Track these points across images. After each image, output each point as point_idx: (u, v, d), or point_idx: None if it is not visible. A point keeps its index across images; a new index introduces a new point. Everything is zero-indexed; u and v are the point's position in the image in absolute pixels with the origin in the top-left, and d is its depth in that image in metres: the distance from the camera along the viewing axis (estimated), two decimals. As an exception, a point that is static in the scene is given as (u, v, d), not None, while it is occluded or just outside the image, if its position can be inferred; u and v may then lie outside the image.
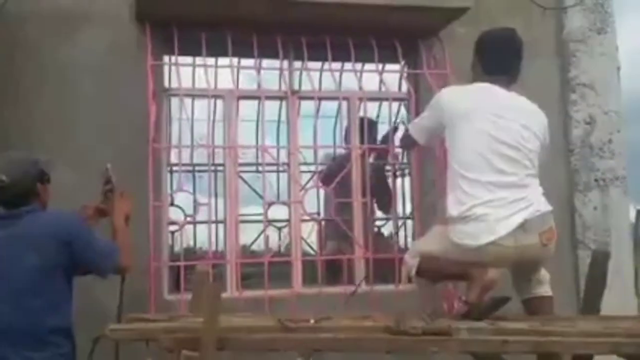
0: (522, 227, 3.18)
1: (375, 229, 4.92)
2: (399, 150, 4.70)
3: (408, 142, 3.81)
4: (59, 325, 2.97)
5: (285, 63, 4.65)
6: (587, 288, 3.60)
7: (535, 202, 3.24)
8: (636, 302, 4.87)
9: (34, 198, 3.07)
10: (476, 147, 3.29)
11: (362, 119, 4.69)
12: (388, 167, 5.10)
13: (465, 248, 3.23)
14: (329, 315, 3.10)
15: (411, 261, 3.50)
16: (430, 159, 4.53)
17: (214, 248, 4.26)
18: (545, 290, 3.43)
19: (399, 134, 4.41)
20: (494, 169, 3.25)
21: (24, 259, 2.89)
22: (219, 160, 4.53)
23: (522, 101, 3.49)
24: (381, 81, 4.71)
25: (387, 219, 5.23)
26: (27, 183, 3.05)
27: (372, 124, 4.94)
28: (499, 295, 3.10)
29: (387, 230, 5.46)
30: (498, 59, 3.56)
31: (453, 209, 3.29)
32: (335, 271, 4.82)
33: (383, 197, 5.14)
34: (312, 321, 2.92)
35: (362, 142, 4.64)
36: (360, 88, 4.71)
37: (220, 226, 4.49)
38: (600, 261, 3.53)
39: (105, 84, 4.34)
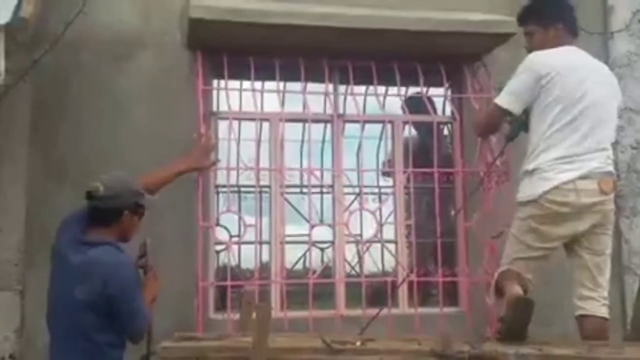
0: (583, 176, 3.38)
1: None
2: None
3: (498, 114, 3.71)
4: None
5: (331, 87, 4.73)
6: (634, 315, 3.57)
7: (601, 159, 3.43)
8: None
9: (116, 223, 3.13)
10: (562, 107, 3.42)
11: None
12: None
13: (532, 196, 3.40)
14: (374, 337, 3.13)
15: (496, 275, 3.55)
16: (474, 179, 4.57)
17: (259, 268, 4.31)
18: (603, 312, 3.41)
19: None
20: (575, 128, 3.41)
21: (76, 292, 2.99)
22: (264, 181, 4.61)
23: (600, 64, 3.75)
24: (425, 105, 4.74)
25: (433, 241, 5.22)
26: (116, 204, 3.11)
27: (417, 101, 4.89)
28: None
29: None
30: (574, 21, 3.77)
31: (525, 165, 3.51)
32: (378, 293, 4.84)
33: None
34: (358, 343, 2.96)
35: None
36: (405, 111, 4.76)
37: (265, 246, 4.56)
38: (647, 287, 3.50)
39: (156, 107, 4.48)
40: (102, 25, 4.51)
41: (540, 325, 3.20)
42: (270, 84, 4.68)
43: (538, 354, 2.83)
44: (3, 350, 4.07)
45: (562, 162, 3.38)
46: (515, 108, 3.58)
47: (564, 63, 3.51)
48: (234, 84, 4.62)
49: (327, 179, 4.80)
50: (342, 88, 4.85)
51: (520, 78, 3.58)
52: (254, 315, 2.80)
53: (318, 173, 4.72)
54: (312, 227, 4.45)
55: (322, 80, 4.63)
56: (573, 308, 3.46)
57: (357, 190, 4.79)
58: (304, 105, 4.61)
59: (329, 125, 4.87)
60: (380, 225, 4.54)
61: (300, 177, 4.87)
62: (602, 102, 3.51)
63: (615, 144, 4.90)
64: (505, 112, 3.63)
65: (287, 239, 4.60)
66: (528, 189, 3.48)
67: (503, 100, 3.61)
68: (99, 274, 3.00)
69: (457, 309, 4.57)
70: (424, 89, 4.71)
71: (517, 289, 3.22)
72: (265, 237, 4.54)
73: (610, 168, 3.50)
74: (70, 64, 4.43)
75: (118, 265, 3.07)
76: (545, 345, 3.00)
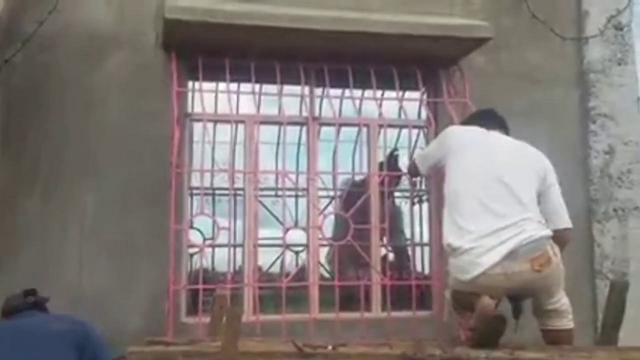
0: (511, 255, 3.25)
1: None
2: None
3: (413, 169, 4.17)
4: None
5: (307, 89, 4.72)
6: (605, 318, 3.59)
7: (526, 229, 3.31)
8: (655, 333, 4.82)
9: None
10: (466, 182, 3.45)
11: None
12: (407, 194, 5.12)
13: (460, 281, 3.31)
14: (346, 341, 3.12)
15: (447, 295, 3.60)
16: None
17: (232, 271, 4.28)
18: (564, 323, 3.44)
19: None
20: (483, 202, 3.37)
21: None
22: (239, 184, 4.58)
23: (516, 143, 3.72)
24: (401, 108, 4.75)
25: (406, 246, 5.24)
26: None
27: (394, 158, 5.01)
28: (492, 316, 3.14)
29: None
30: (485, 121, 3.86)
31: (445, 242, 3.47)
32: (350, 297, 4.83)
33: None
34: (329, 347, 2.94)
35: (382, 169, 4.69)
36: (380, 115, 4.76)
37: (239, 249, 4.53)
38: (618, 291, 3.53)
39: (130, 108, 4.43)
40: (76, 25, 4.44)
41: (512, 329, 3.21)
42: (245, 86, 4.66)
43: (509, 358, 2.84)
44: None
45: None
46: (423, 168, 4.00)
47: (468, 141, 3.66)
48: (209, 85, 4.58)
49: (302, 182, 4.79)
50: (318, 91, 4.83)
51: (432, 146, 3.98)
52: (224, 319, 2.78)
53: (293, 176, 4.70)
54: (287, 230, 4.42)
55: (297, 83, 4.62)
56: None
57: (331, 193, 4.79)
58: (280, 108, 4.60)
59: (304, 128, 4.85)
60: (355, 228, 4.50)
61: (275, 180, 4.85)
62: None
63: (588, 149, 5.01)
64: None
65: (261, 242, 4.58)
66: (454, 271, 3.42)
67: (418, 157, 4.09)
68: None
69: (429, 313, 4.57)
70: (399, 93, 4.70)
71: (487, 301, 3.21)
72: (239, 240, 4.50)
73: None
74: (42, 64, 4.36)
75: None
76: (517, 349, 3.01)
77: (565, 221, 3.59)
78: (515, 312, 3.55)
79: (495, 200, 3.37)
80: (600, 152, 5.02)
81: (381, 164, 4.75)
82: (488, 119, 3.87)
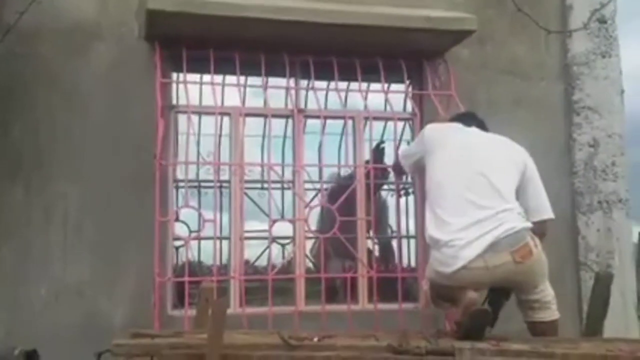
0: (492, 247, 3.26)
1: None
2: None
3: (397, 168, 4.33)
4: None
5: (292, 82, 4.70)
6: (589, 310, 3.63)
7: (507, 221, 3.32)
8: (639, 324, 4.87)
9: None
10: (446, 175, 3.48)
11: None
12: (392, 186, 5.13)
13: (441, 274, 3.33)
14: (332, 333, 3.13)
15: (425, 286, 3.62)
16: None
17: (218, 264, 4.26)
18: (548, 314, 3.46)
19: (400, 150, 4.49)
20: (464, 195, 3.40)
21: None
22: (224, 176, 4.56)
23: (495, 136, 3.77)
24: (387, 101, 4.75)
25: (391, 238, 5.24)
26: None
27: (380, 150, 5.01)
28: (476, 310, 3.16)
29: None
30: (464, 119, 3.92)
31: (427, 234, 3.50)
32: (336, 289, 4.84)
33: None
34: (315, 339, 2.95)
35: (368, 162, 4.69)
36: (366, 107, 4.76)
37: (225, 242, 4.51)
38: (603, 283, 3.56)
39: (114, 100, 4.38)
40: (58, 15, 4.39)
41: (498, 321, 3.23)
42: (230, 78, 4.63)
43: (494, 349, 2.85)
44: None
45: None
46: (406, 166, 4.12)
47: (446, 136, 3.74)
48: (194, 77, 4.56)
49: (288, 175, 4.78)
50: (303, 83, 4.82)
51: (413, 144, 4.11)
52: (210, 311, 2.77)
53: (278, 169, 4.68)
54: (273, 222, 4.40)
55: (283, 75, 4.60)
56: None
57: (317, 185, 4.78)
58: (265, 100, 4.58)
59: (290, 121, 4.83)
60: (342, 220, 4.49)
61: (261, 173, 4.83)
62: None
63: (572, 142, 5.03)
64: None
65: (247, 234, 4.56)
66: (436, 264, 3.45)
67: (400, 155, 4.22)
68: None
69: (415, 305, 4.58)
70: (385, 85, 4.69)
71: (472, 295, 3.23)
72: (225, 232, 4.49)
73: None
74: (24, 55, 4.31)
75: None
76: (502, 340, 3.02)
77: (547, 212, 3.62)
78: (494, 307, 3.54)
79: (476, 192, 3.39)
80: (585, 145, 5.04)
81: (367, 162, 4.74)
82: (468, 117, 3.92)
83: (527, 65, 5.07)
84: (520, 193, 3.54)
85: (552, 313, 3.47)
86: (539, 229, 3.49)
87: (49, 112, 4.31)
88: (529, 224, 3.40)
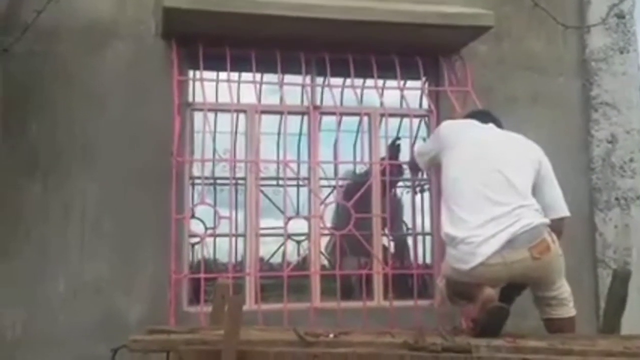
0: (509, 243, 3.24)
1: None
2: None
3: (413, 165, 4.30)
4: None
5: (308, 79, 4.70)
6: (607, 307, 3.59)
7: (524, 217, 3.30)
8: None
9: None
10: (462, 172, 3.47)
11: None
12: (408, 183, 5.12)
13: (459, 271, 3.31)
14: (348, 329, 3.12)
15: (440, 284, 3.60)
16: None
17: (234, 261, 4.27)
18: (565, 311, 3.43)
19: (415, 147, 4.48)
20: (480, 192, 3.37)
21: None
22: (240, 174, 4.58)
23: (511, 134, 3.74)
24: (402, 97, 4.74)
25: (407, 235, 5.23)
26: None
27: (396, 147, 5.00)
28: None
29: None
30: (480, 116, 3.90)
31: (443, 231, 3.47)
32: (351, 286, 4.84)
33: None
34: (331, 335, 2.94)
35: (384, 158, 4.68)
36: (382, 104, 4.75)
37: (240, 239, 4.52)
38: (620, 280, 3.52)
39: (131, 98, 4.41)
40: (76, 14, 4.42)
41: (513, 317, 3.21)
42: (246, 75, 4.64)
43: (511, 346, 2.83)
44: (-29, 344, 4.01)
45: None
46: (421, 163, 4.08)
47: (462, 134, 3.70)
48: (210, 74, 4.57)
49: (304, 172, 4.78)
50: (319, 80, 4.81)
51: (429, 141, 4.06)
52: (226, 307, 2.77)
53: (294, 165, 4.68)
54: (288, 219, 4.41)
55: (299, 72, 4.60)
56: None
57: (333, 182, 4.78)
58: (281, 97, 4.58)
59: (305, 118, 4.84)
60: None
61: (277, 170, 4.84)
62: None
63: (590, 138, 4.99)
64: None
65: (263, 231, 4.58)
66: (452, 261, 3.42)
67: (416, 153, 4.14)
68: None
69: (431, 302, 4.57)
70: (401, 82, 4.68)
71: (489, 292, 3.21)
72: (240, 229, 4.50)
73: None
74: (42, 53, 4.34)
75: None
76: (519, 337, 3.01)
77: (563, 209, 3.59)
78: (506, 304, 3.51)
79: (492, 189, 3.37)
80: (603, 141, 5.00)
81: (383, 159, 4.73)
82: (483, 114, 3.90)
83: (544, 61, 5.04)
84: (536, 191, 3.52)
85: (569, 310, 3.45)
86: (555, 227, 3.46)
87: (67, 110, 4.34)
88: (547, 220, 3.38)
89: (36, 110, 4.30)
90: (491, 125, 3.76)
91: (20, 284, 4.13)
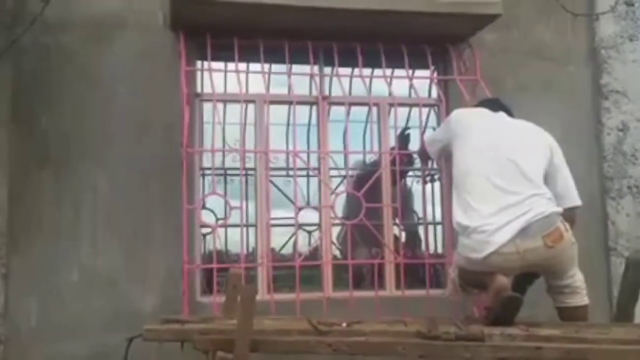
0: (523, 232, 3.23)
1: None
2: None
3: (423, 154, 4.25)
4: None
5: (316, 69, 4.69)
6: (620, 295, 3.59)
7: (536, 206, 3.29)
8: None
9: None
10: (474, 161, 3.45)
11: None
12: (419, 173, 5.11)
13: (471, 260, 3.30)
14: (360, 319, 3.13)
15: (452, 273, 3.60)
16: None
17: (245, 251, 4.28)
18: (578, 299, 3.43)
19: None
20: (492, 181, 3.36)
21: None
22: (250, 164, 4.58)
23: (523, 122, 3.72)
24: (411, 87, 4.72)
25: (417, 224, 5.23)
26: None
27: (405, 137, 4.99)
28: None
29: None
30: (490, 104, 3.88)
31: (454, 221, 3.46)
32: (362, 276, 4.84)
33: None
34: (344, 324, 2.95)
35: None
36: (390, 94, 4.73)
37: (251, 229, 4.53)
38: (633, 268, 3.52)
39: (140, 89, 4.41)
40: (84, 5, 4.42)
41: (526, 305, 3.21)
42: (254, 66, 4.63)
43: (524, 334, 2.84)
44: (-14, 334, 4.04)
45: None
46: (432, 152, 4.04)
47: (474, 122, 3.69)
48: (218, 65, 4.56)
49: (313, 162, 4.77)
50: (327, 70, 4.80)
51: (439, 129, 4.04)
52: (239, 297, 2.78)
53: (304, 156, 4.68)
54: (299, 209, 4.41)
55: (307, 62, 4.59)
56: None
57: (343, 172, 4.78)
58: (289, 87, 4.57)
59: (314, 108, 4.83)
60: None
61: (286, 160, 4.84)
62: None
63: (601, 126, 4.97)
64: None
65: (274, 222, 4.58)
66: (465, 251, 3.41)
67: (426, 141, 4.12)
68: None
69: (443, 291, 4.56)
70: (409, 71, 4.66)
71: (502, 281, 3.21)
72: (251, 220, 4.51)
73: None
74: (51, 45, 4.35)
75: None
76: (532, 326, 3.01)
77: (575, 199, 3.58)
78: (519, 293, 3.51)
79: (504, 178, 3.35)
80: (614, 129, 4.98)
81: (393, 148, 4.73)
82: (493, 103, 3.89)
83: (554, 50, 5.01)
84: (548, 179, 3.51)
85: (582, 298, 3.44)
86: (568, 217, 3.45)
87: (76, 101, 4.35)
88: (559, 209, 3.36)
89: (46, 102, 4.31)
90: (502, 114, 3.75)
91: (34, 275, 4.15)
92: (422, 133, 4.61)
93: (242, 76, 4.50)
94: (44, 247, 4.18)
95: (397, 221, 4.81)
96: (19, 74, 4.27)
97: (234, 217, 4.28)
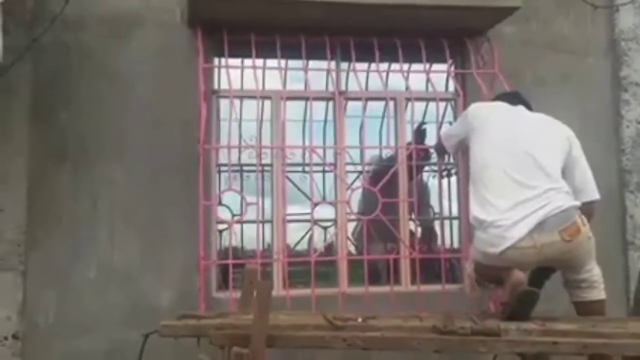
0: (540, 226, 3.21)
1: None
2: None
3: (439, 148, 4.21)
4: None
5: (333, 64, 4.68)
6: (637, 289, 3.55)
7: (554, 200, 3.27)
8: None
9: None
10: (492, 155, 3.43)
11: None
12: (435, 168, 5.09)
13: (488, 255, 3.28)
14: (376, 314, 3.13)
15: (468, 268, 3.59)
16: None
17: (261, 247, 4.30)
18: (595, 294, 3.40)
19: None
20: (509, 175, 3.34)
21: None
22: (266, 160, 4.59)
23: (541, 116, 3.68)
24: (428, 81, 4.70)
25: (434, 219, 5.21)
26: None
27: (422, 131, 4.97)
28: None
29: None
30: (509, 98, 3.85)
31: (471, 215, 3.44)
32: (378, 271, 4.84)
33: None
34: (359, 319, 2.95)
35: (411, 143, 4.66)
36: (407, 88, 4.72)
37: (267, 225, 4.54)
38: (652, 263, 3.48)
39: (157, 86, 4.44)
40: (103, 3, 4.46)
41: (543, 300, 3.19)
42: (271, 62, 4.64)
43: (541, 329, 2.83)
44: (5, 330, 4.09)
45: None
46: (449, 147, 4.03)
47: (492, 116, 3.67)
48: (235, 61, 4.58)
49: (330, 158, 4.77)
50: (344, 65, 4.80)
51: (456, 124, 4.04)
52: (255, 293, 2.80)
53: (320, 151, 4.69)
54: (315, 205, 4.42)
55: (324, 58, 4.59)
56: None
57: (359, 168, 4.77)
58: (306, 83, 4.57)
59: (331, 103, 4.83)
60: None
61: (302, 156, 4.84)
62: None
63: (620, 119, 4.92)
64: None
65: (289, 217, 4.59)
66: (482, 245, 3.39)
67: (443, 136, 4.09)
68: None
69: (458, 286, 4.55)
70: (426, 65, 4.64)
71: (519, 275, 3.19)
72: (267, 216, 4.52)
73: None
74: (70, 43, 4.39)
75: None
76: (548, 320, 2.99)
77: (594, 192, 3.55)
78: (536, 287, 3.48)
79: (522, 172, 3.33)
80: (633, 122, 4.93)
81: (409, 143, 4.71)
82: (512, 96, 3.86)
83: (573, 42, 4.97)
84: (566, 173, 3.48)
85: (599, 293, 3.41)
86: (586, 211, 3.42)
87: (95, 98, 4.39)
88: (577, 203, 3.34)
89: (65, 99, 4.36)
90: (520, 107, 3.72)
91: (52, 270, 4.20)
92: (439, 128, 4.59)
93: (259, 72, 4.51)
94: (62, 243, 4.23)
95: (413, 216, 4.80)
96: (39, 71, 4.32)
97: (250, 213, 4.30)
